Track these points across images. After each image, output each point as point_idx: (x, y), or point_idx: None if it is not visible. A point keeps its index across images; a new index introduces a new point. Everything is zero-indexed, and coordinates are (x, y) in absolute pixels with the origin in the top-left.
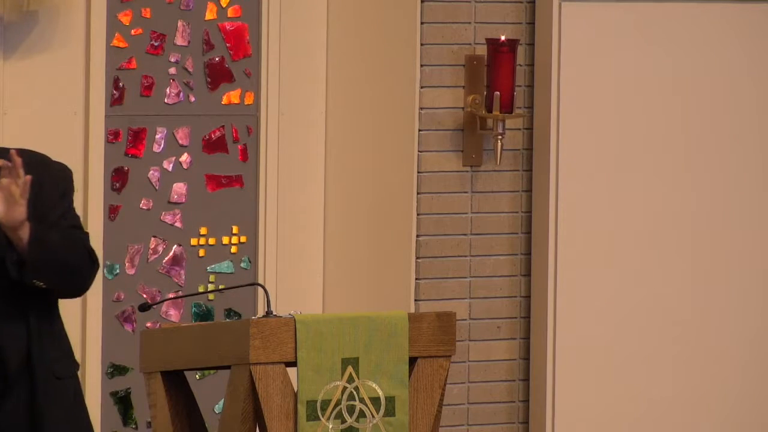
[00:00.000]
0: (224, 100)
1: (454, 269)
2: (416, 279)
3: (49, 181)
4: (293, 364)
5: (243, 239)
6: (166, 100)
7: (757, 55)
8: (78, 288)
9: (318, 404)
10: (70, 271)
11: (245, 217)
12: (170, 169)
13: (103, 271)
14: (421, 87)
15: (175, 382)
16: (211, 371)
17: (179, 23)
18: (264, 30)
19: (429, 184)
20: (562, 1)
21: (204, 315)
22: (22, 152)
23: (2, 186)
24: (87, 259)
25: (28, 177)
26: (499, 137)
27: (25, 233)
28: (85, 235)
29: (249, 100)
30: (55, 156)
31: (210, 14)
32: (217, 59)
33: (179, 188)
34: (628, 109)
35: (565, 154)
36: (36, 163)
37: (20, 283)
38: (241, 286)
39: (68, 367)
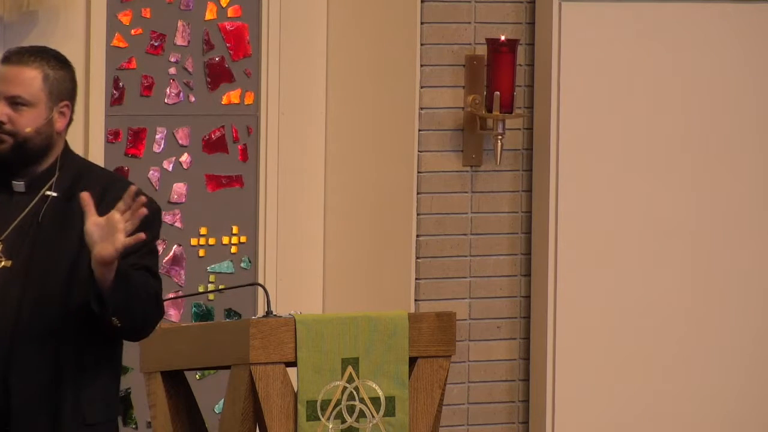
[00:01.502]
0: (224, 100)
1: (454, 269)
2: (416, 279)
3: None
4: (293, 364)
5: (243, 239)
6: (166, 100)
7: (757, 55)
8: (142, 332)
9: (318, 404)
10: (143, 316)
11: (245, 217)
12: (170, 169)
13: None
14: (421, 87)
15: (175, 382)
16: (211, 371)
17: (179, 23)
18: (264, 30)
19: (429, 184)
20: (562, 1)
21: (204, 315)
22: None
23: (112, 220)
24: (156, 306)
25: (143, 210)
26: (499, 137)
27: (112, 271)
28: (158, 281)
29: (249, 100)
30: None
31: (210, 14)
32: (217, 59)
33: (179, 188)
34: (628, 108)
35: (565, 154)
36: (123, 186)
37: (66, 315)
38: (241, 286)
39: (103, 412)
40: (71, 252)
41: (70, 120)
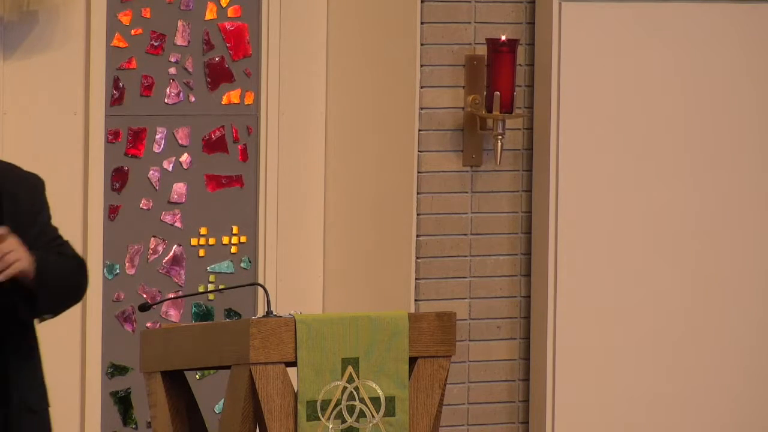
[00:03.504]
0: (224, 100)
1: (454, 269)
2: (416, 279)
3: (24, 195)
4: (293, 364)
5: (243, 239)
6: (166, 100)
7: (757, 55)
8: (80, 299)
9: (318, 404)
10: (75, 289)
11: (245, 217)
12: (170, 169)
13: (103, 271)
14: (421, 87)
15: (175, 382)
16: (211, 371)
17: (179, 23)
18: (264, 30)
19: (429, 184)
20: (562, 1)
21: (204, 315)
22: None
23: None
24: (80, 268)
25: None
26: (499, 137)
27: (30, 271)
28: (67, 243)
29: (249, 100)
30: (55, 156)
31: (210, 14)
32: (217, 59)
33: (179, 188)
34: (628, 108)
35: (565, 154)
36: (7, 175)
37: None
38: (241, 286)
39: (44, 399)
40: None
41: None
